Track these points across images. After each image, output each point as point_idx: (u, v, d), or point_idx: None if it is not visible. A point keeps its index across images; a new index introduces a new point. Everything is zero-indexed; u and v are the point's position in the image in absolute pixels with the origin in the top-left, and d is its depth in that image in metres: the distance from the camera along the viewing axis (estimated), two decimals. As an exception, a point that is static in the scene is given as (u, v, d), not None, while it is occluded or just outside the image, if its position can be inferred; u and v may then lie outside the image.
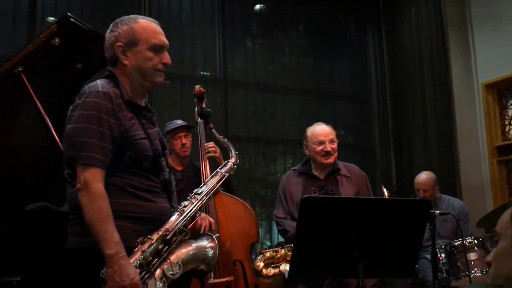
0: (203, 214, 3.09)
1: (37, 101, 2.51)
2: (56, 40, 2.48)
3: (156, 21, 2.07)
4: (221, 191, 3.39)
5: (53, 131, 2.48)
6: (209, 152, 3.33)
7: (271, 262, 3.05)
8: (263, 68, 5.86)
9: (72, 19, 2.48)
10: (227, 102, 5.41)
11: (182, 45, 5.30)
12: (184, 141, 3.53)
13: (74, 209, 1.81)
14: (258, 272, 3.03)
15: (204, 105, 3.45)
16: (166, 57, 2.02)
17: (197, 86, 3.32)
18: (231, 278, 3.25)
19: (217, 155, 3.38)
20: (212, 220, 3.13)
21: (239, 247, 3.35)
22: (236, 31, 5.66)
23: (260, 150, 5.77)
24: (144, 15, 5.16)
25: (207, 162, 3.39)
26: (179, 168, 3.53)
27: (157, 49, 1.99)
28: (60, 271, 1.80)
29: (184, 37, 5.34)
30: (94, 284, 1.69)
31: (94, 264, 1.70)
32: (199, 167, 3.35)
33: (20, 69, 2.48)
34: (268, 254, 3.04)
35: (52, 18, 4.65)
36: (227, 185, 3.45)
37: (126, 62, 1.97)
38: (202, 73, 5.50)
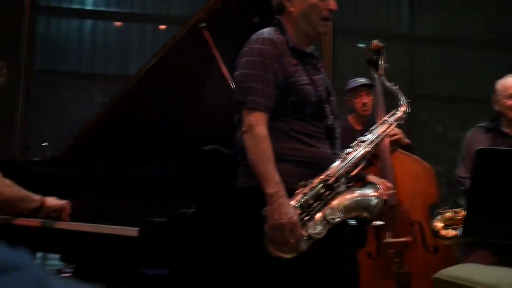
0: (379, 180, 3.08)
1: (218, 56, 2.68)
2: (233, -7, 2.61)
3: None
4: (399, 150, 3.30)
5: (232, 84, 2.63)
6: (392, 136, 3.25)
7: (451, 223, 2.90)
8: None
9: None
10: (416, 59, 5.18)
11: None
12: (365, 99, 3.45)
13: (241, 151, 1.91)
14: (436, 233, 2.90)
15: (382, 62, 3.36)
16: (332, 3, 2.01)
17: (374, 41, 3.24)
18: (409, 238, 3.17)
19: (400, 136, 3.29)
20: (390, 184, 3.09)
21: (417, 207, 3.24)
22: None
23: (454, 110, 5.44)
24: None
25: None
26: (358, 128, 3.45)
27: None
28: (229, 207, 1.93)
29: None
30: (258, 221, 1.78)
31: (259, 202, 1.78)
32: None
33: (203, 25, 2.67)
34: (448, 215, 2.89)
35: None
36: (409, 151, 3.35)
37: (291, 9, 2.01)
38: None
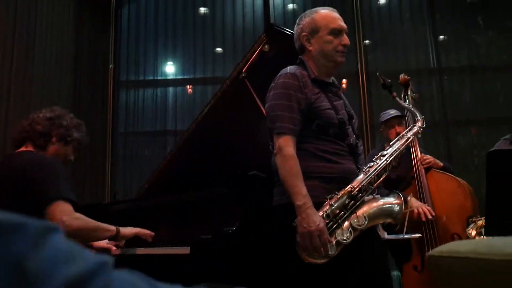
0: (418, 203, 2.99)
1: (257, 98, 2.73)
2: (266, 47, 2.67)
3: (335, 10, 2.08)
4: (434, 169, 3.18)
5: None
6: (426, 164, 3.17)
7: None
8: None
9: (276, 27, 2.65)
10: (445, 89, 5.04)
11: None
12: (398, 129, 3.40)
13: (275, 172, 1.90)
14: (470, 240, 2.71)
15: (409, 92, 3.31)
16: (345, 39, 2.02)
17: (401, 75, 3.21)
18: (450, 250, 2.98)
19: (432, 162, 3.20)
20: (429, 208, 2.98)
21: (456, 221, 3.06)
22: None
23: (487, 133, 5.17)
24: (355, 17, 5.27)
25: (417, 145, 3.24)
26: (394, 154, 3.39)
27: (336, 32, 2.01)
28: (265, 222, 1.91)
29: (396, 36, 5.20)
30: (291, 233, 1.74)
31: (292, 215, 1.76)
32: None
33: (243, 76, 2.74)
34: (480, 223, 2.70)
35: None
36: (448, 171, 3.23)
37: (310, 48, 2.04)
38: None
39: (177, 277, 2.10)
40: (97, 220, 2.11)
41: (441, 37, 5.32)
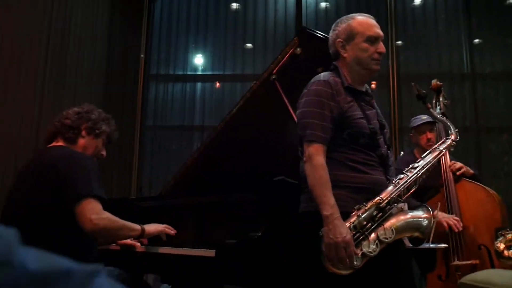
0: (446, 215, 2.96)
1: (287, 101, 2.72)
2: (298, 49, 2.65)
3: (372, 17, 2.05)
4: (464, 179, 3.13)
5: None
6: (458, 170, 3.12)
7: (512, 245, 2.64)
8: None
9: (308, 30, 2.63)
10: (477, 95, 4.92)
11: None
12: (429, 136, 3.36)
13: (304, 180, 1.89)
14: (499, 254, 2.65)
15: (441, 98, 3.26)
16: (381, 47, 1.99)
17: (433, 81, 3.16)
18: (477, 261, 2.95)
19: (464, 169, 3.15)
20: (457, 218, 2.95)
21: (484, 231, 3.01)
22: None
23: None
24: (388, 18, 5.19)
25: (447, 154, 3.18)
26: (423, 162, 3.35)
27: (372, 40, 1.97)
28: (291, 229, 1.90)
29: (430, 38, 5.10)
30: (317, 241, 1.74)
31: (318, 224, 1.75)
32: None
33: (273, 77, 2.74)
34: (509, 236, 2.64)
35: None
36: (477, 180, 3.18)
37: (345, 54, 2.01)
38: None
39: (197, 279, 2.13)
40: (122, 215, 2.12)
41: (476, 40, 5.19)
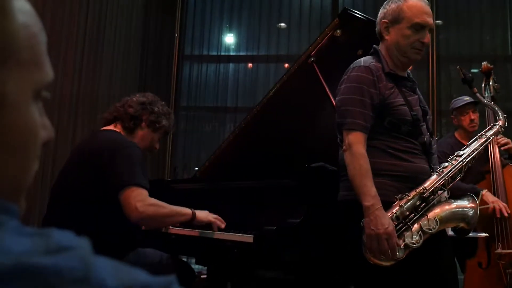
0: (494, 198, 2.87)
1: (325, 85, 2.67)
2: (338, 31, 2.58)
3: (426, 1, 1.95)
4: (510, 164, 3.03)
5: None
6: (503, 145, 3.02)
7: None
8: None
9: (350, 12, 2.55)
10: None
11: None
12: (472, 116, 3.26)
13: (342, 167, 1.86)
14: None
15: (491, 82, 3.15)
16: (426, 37, 1.90)
17: (484, 63, 3.06)
18: (522, 250, 2.86)
19: (511, 145, 3.06)
20: (504, 204, 2.86)
21: (530, 219, 2.91)
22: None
23: None
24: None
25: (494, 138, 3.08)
26: (465, 143, 3.23)
27: (417, 28, 1.87)
28: (331, 218, 1.88)
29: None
30: (356, 231, 1.72)
31: (357, 213, 1.72)
32: None
33: (312, 60, 2.68)
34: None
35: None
36: None
37: (387, 37, 1.94)
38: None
39: (232, 262, 2.13)
40: (158, 198, 2.03)
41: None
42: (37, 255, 0.35)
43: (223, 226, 2.18)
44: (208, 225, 2.17)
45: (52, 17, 3.72)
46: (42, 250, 0.36)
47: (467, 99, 3.29)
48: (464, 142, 3.18)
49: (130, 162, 1.94)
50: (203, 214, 2.15)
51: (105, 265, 0.37)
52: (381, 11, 1.98)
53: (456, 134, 3.34)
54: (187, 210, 2.11)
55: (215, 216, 2.20)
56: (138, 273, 0.39)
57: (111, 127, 2.17)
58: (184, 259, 4.19)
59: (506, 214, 2.86)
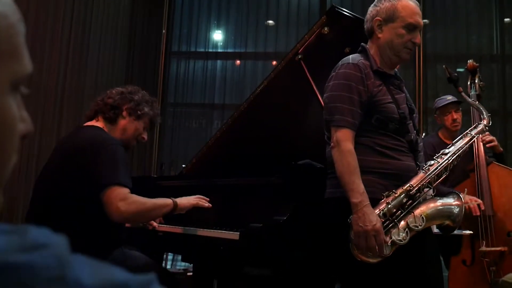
0: (469, 197, 2.88)
1: (313, 83, 2.66)
2: (326, 29, 2.57)
3: (417, 3, 1.96)
4: (494, 162, 3.05)
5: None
6: (488, 142, 3.04)
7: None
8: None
9: (337, 9, 2.54)
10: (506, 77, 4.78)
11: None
12: (455, 116, 3.27)
13: (330, 165, 1.86)
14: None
15: (477, 80, 3.17)
16: (417, 38, 1.92)
17: (469, 61, 3.08)
18: (505, 248, 2.89)
19: (495, 143, 3.08)
20: (479, 201, 2.88)
21: (514, 218, 2.94)
22: None
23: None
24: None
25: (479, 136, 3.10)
26: (449, 143, 3.26)
27: (410, 28, 1.89)
28: (319, 215, 1.88)
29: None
30: (344, 228, 1.71)
31: (345, 211, 1.72)
32: None
33: (299, 57, 2.67)
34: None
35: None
36: (501, 161, 3.11)
37: (380, 35, 1.94)
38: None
39: (219, 260, 2.12)
40: (144, 195, 1.99)
41: (507, 19, 5.02)
42: (11, 252, 0.33)
43: (206, 205, 2.14)
44: (194, 221, 2.15)
45: (37, 12, 3.66)
46: (17, 248, 0.34)
47: (449, 98, 3.31)
48: (447, 141, 3.20)
49: (112, 160, 1.90)
50: (184, 201, 2.10)
51: (82, 263, 0.35)
52: (373, 9, 1.97)
53: (440, 134, 3.36)
54: (168, 201, 2.06)
55: (196, 196, 2.16)
56: (116, 272, 0.37)
57: (93, 122, 2.14)
58: (170, 257, 4.17)
59: (478, 213, 2.89)
